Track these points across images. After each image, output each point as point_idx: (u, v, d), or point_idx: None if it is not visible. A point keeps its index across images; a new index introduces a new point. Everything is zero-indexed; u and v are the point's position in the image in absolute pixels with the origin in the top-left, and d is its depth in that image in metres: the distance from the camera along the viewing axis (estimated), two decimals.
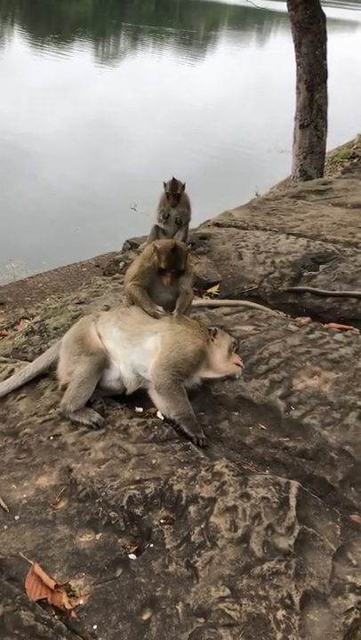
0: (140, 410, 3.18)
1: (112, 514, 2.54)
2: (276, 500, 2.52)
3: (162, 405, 3.07)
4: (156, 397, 3.11)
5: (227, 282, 4.57)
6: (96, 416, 3.01)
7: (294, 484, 2.60)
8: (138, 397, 3.23)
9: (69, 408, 3.03)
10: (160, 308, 3.28)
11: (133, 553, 2.42)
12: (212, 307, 4.00)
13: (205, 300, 4.15)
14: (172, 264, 3.26)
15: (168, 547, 2.39)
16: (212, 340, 3.21)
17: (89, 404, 3.09)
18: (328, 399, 3.09)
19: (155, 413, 3.13)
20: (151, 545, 2.42)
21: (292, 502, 2.51)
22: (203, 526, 2.45)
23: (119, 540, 2.47)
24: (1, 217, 13.06)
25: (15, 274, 10.33)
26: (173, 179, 4.87)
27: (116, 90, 26.60)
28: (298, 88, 10.94)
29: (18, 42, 37.16)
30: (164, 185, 4.87)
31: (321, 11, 10.40)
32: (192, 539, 2.41)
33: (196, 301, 4.03)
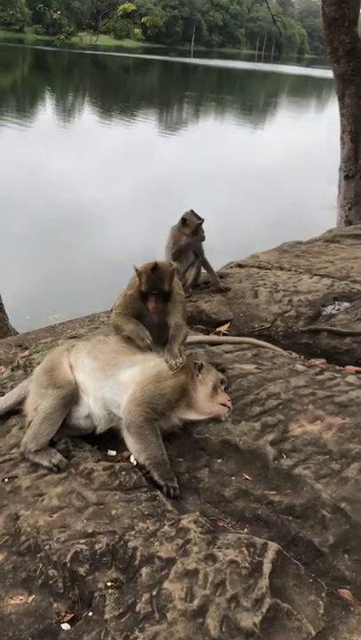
0: (113, 453, 2.80)
1: (51, 572, 2.14)
2: (247, 564, 2.06)
3: (132, 447, 2.68)
4: (128, 439, 2.72)
5: (238, 320, 4.20)
6: (57, 457, 2.65)
7: (272, 547, 2.13)
8: (112, 440, 2.85)
9: (30, 447, 2.69)
10: (149, 339, 2.92)
11: (68, 622, 2.00)
12: (213, 343, 3.61)
13: (206, 337, 3.77)
14: (154, 285, 2.93)
15: (107, 617, 1.96)
16: (197, 376, 2.83)
17: (53, 444, 2.74)
18: (328, 447, 2.61)
19: (128, 458, 2.74)
20: (90, 613, 2.00)
21: (266, 569, 2.04)
22: (154, 593, 2.01)
23: (54, 605, 2.06)
24: (56, 272, 13.35)
25: (56, 324, 10.29)
26: (192, 211, 4.65)
27: (179, 155, 27.37)
28: (342, 139, 10.71)
29: (88, 111, 39.19)
30: (184, 220, 4.60)
31: None
32: (137, 608, 1.97)
33: (197, 337, 3.67)
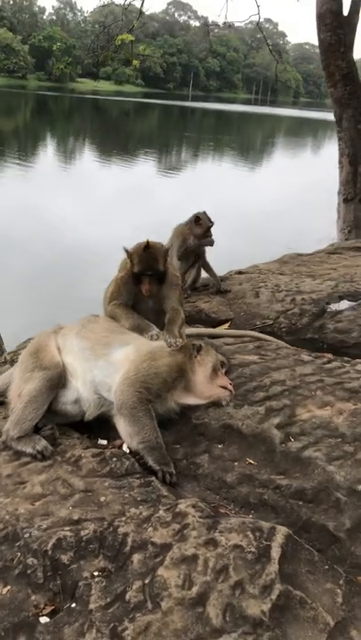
0: (104, 442, 2.56)
1: (30, 560, 1.88)
2: (253, 549, 1.80)
3: (124, 431, 2.44)
4: (119, 423, 2.48)
5: (239, 319, 3.99)
6: (42, 444, 2.40)
7: (281, 530, 1.87)
8: (103, 429, 2.61)
9: (12, 434, 2.44)
10: (155, 329, 2.70)
11: (47, 615, 1.73)
12: (212, 336, 3.40)
13: (205, 329, 3.56)
14: (147, 264, 2.73)
15: (92, 607, 1.70)
16: (195, 357, 2.60)
17: (37, 430, 2.50)
18: (340, 431, 2.37)
19: (120, 446, 2.49)
20: (73, 605, 1.73)
21: (275, 553, 1.78)
22: (146, 581, 1.75)
23: (32, 597, 1.79)
24: (56, 305, 13.20)
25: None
26: (205, 212, 4.51)
27: (179, 194, 27.53)
28: (341, 162, 10.69)
29: (88, 152, 39.68)
30: (198, 219, 4.42)
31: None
32: (127, 597, 1.71)
33: (195, 330, 3.46)
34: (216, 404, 2.57)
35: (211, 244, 4.49)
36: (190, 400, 2.55)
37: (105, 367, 2.52)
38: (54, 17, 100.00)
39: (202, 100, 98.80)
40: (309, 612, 1.64)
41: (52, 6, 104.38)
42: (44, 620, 1.72)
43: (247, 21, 11.98)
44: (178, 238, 4.41)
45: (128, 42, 11.67)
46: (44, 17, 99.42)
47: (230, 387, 2.60)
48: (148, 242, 2.78)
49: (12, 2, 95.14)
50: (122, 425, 2.43)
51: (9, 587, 1.83)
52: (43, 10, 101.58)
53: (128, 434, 2.39)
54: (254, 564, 1.75)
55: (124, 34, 11.44)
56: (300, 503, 2.07)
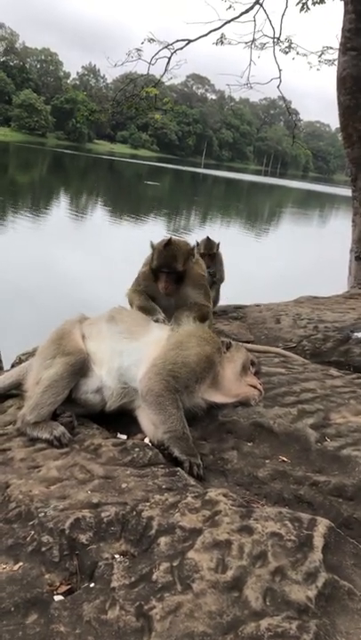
0: (124, 437, 2.40)
1: (45, 538, 1.71)
2: (293, 537, 1.63)
3: (148, 421, 2.29)
4: (142, 414, 2.34)
5: (259, 342, 3.87)
6: (60, 430, 2.25)
7: (322, 522, 1.71)
8: (123, 423, 2.47)
9: (28, 419, 2.30)
10: (160, 313, 2.62)
11: (62, 594, 1.55)
12: None
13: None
14: (165, 262, 2.64)
15: (115, 585, 1.52)
16: (225, 353, 2.48)
17: (55, 417, 2.35)
18: None
19: (142, 440, 2.34)
20: (92, 584, 1.55)
21: (318, 542, 1.62)
22: (175, 563, 1.57)
23: (46, 576, 1.61)
24: None
25: None
26: (208, 238, 4.47)
27: None
28: (354, 221, 10.82)
29: (100, 215, 40.38)
30: (197, 244, 4.44)
31: None
32: (154, 577, 1.53)
33: None
34: (244, 403, 2.43)
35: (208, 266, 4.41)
36: (218, 398, 2.41)
37: (134, 353, 2.40)
38: (78, 82, 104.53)
39: (214, 168, 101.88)
40: (359, 605, 1.46)
41: (77, 72, 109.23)
42: (58, 598, 1.53)
43: (268, 82, 12.37)
44: None
45: (153, 95, 12.09)
46: (69, 81, 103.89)
47: (260, 386, 2.46)
48: (170, 239, 2.71)
49: (38, 65, 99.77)
50: (146, 414, 2.29)
51: (21, 563, 1.65)
52: (67, 75, 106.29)
53: (153, 423, 2.25)
54: (295, 553, 1.59)
55: (150, 87, 11.88)
56: (340, 500, 1.92)
